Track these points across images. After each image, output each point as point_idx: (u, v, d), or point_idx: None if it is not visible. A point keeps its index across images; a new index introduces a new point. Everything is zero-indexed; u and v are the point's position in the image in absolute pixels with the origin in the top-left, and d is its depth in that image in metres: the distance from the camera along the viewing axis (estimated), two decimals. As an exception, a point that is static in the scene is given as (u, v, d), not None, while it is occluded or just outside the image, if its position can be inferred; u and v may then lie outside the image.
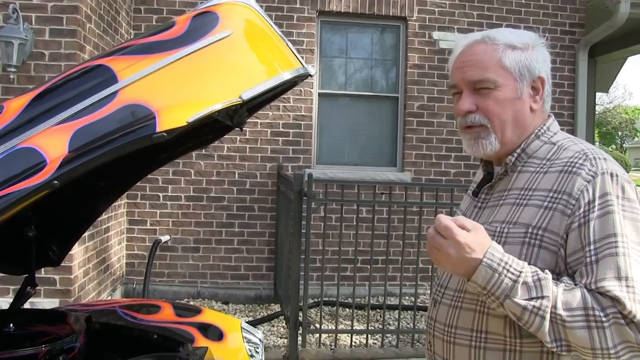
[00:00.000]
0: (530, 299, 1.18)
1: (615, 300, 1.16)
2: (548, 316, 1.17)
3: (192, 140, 2.33)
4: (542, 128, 1.42)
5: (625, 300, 1.16)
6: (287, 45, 1.86)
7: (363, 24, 6.49)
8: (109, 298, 5.56)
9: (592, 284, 1.19)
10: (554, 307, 1.17)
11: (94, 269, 5.05)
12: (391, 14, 6.34)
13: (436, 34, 6.43)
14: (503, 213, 1.36)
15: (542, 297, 1.18)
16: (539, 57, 1.40)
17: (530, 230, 1.28)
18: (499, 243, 1.30)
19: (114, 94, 1.61)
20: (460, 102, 1.40)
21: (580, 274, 1.22)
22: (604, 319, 1.16)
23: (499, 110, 1.37)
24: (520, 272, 1.21)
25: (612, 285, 1.17)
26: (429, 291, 5.22)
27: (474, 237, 1.22)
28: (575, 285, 1.21)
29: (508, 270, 1.20)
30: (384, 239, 5.51)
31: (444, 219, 1.23)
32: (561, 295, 1.19)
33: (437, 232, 1.24)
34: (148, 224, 6.06)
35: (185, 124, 1.53)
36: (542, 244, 1.27)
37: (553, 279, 1.23)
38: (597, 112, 16.21)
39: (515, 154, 1.40)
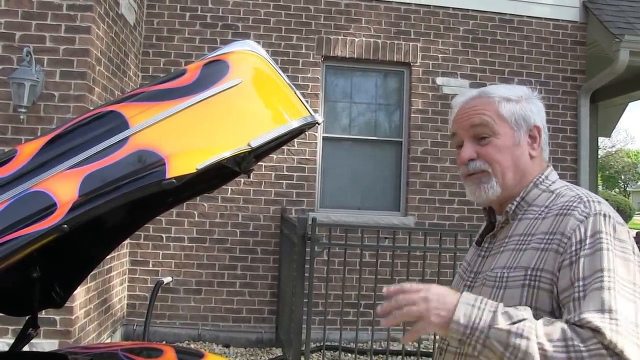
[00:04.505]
0: (513, 323, 1.19)
1: (596, 331, 1.15)
2: (533, 337, 1.16)
3: (199, 185, 2.35)
4: (540, 177, 1.46)
5: (606, 331, 1.14)
6: (295, 93, 1.89)
7: (367, 69, 6.60)
8: (109, 339, 5.51)
9: (575, 317, 1.19)
10: (536, 335, 1.17)
11: (95, 310, 5.01)
12: (395, 59, 6.45)
13: (439, 80, 6.53)
14: (504, 259, 1.38)
15: (524, 319, 1.19)
16: (533, 108, 1.47)
17: (529, 273, 1.30)
18: (499, 288, 1.34)
19: (125, 139, 1.63)
20: (461, 152, 1.46)
21: (567, 309, 1.22)
22: (582, 348, 1.14)
23: (499, 157, 1.43)
24: (497, 305, 1.23)
25: (592, 317, 1.16)
26: (431, 336, 5.15)
27: (436, 286, 1.28)
28: (556, 320, 1.22)
29: (485, 304, 1.23)
30: (387, 283, 5.46)
31: (393, 286, 1.29)
32: (542, 327, 1.19)
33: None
34: (150, 265, 6.04)
35: (195, 170, 1.55)
36: (540, 284, 1.29)
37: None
38: (599, 156, 16.30)
39: (515, 202, 1.44)
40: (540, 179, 1.45)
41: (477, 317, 1.21)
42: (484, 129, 1.43)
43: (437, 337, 1.55)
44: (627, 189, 49.36)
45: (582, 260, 1.24)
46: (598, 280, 1.21)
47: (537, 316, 1.27)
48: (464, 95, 1.52)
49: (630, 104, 8.76)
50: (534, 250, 1.32)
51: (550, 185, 1.45)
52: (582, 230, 1.27)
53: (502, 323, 1.19)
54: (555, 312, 1.28)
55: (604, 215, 1.29)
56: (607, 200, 1.42)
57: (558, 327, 1.18)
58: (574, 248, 1.26)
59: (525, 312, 1.21)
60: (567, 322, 1.21)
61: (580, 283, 1.22)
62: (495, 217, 1.53)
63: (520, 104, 1.45)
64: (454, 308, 1.22)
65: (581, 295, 1.21)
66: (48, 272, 2.26)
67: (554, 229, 1.31)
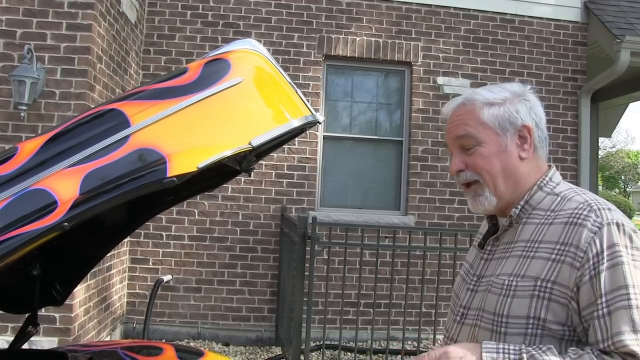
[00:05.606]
0: None
1: (631, 356, 1.16)
2: None
3: (199, 183, 2.35)
4: (544, 179, 1.43)
5: None
6: (296, 92, 1.89)
7: (368, 68, 6.60)
8: (109, 337, 5.51)
9: (607, 340, 1.19)
10: None
11: (94, 308, 5.01)
12: (396, 59, 6.45)
13: (440, 79, 6.52)
14: (510, 266, 1.36)
15: None
16: (520, 108, 1.43)
17: (539, 284, 1.28)
18: (507, 296, 1.32)
19: (126, 138, 1.63)
20: (451, 163, 1.48)
21: (593, 327, 1.22)
22: None
23: (486, 165, 1.41)
24: (520, 349, 1.22)
25: (628, 340, 1.17)
26: (432, 336, 5.16)
27: (454, 346, 1.27)
28: (582, 351, 1.21)
29: (508, 352, 1.22)
30: (387, 282, 5.48)
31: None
32: None
33: None
34: (150, 263, 6.04)
35: (196, 169, 1.55)
36: (552, 296, 1.26)
37: (563, 332, 1.26)
38: (600, 157, 16.25)
39: (519, 206, 1.41)
40: (544, 181, 1.43)
41: None
42: (469, 139, 1.42)
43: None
44: (627, 189, 49.33)
45: (602, 275, 1.22)
46: (624, 298, 1.20)
47: (545, 328, 1.27)
48: (451, 103, 1.51)
49: (630, 104, 8.76)
50: (544, 260, 1.30)
51: (554, 187, 1.42)
52: (598, 242, 1.25)
53: None
54: (567, 323, 1.27)
55: (617, 225, 1.27)
56: (607, 200, 1.40)
57: None
58: (591, 262, 1.23)
59: (551, 354, 1.20)
60: (593, 345, 1.21)
61: (603, 299, 1.21)
62: (497, 219, 1.51)
63: (504, 106, 1.42)
64: None
65: (605, 312, 1.20)
66: (48, 270, 2.26)
67: (566, 240, 1.28)
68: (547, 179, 1.43)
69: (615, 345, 1.18)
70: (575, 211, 1.32)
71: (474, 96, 1.46)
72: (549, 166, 1.48)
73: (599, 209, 1.30)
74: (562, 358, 1.20)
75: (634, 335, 1.17)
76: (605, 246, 1.24)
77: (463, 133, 1.43)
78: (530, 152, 1.43)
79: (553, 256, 1.29)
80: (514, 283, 1.32)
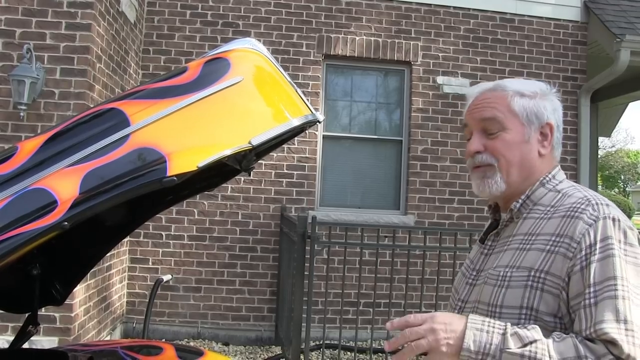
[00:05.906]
0: (524, 345, 1.17)
1: (612, 344, 1.15)
2: (547, 359, 1.16)
3: (199, 183, 2.35)
4: (547, 176, 1.45)
5: (623, 344, 1.14)
6: (296, 91, 1.89)
7: (368, 68, 6.60)
8: (109, 337, 5.51)
9: (590, 327, 1.18)
10: (549, 356, 1.16)
11: (94, 308, 5.01)
12: (396, 58, 6.45)
13: (440, 79, 6.52)
14: (507, 258, 1.37)
15: (536, 341, 1.17)
16: (547, 105, 1.45)
17: (532, 274, 1.29)
18: (501, 287, 1.33)
19: (126, 137, 1.63)
20: (469, 143, 1.46)
21: (579, 316, 1.22)
22: None
23: (506, 151, 1.41)
24: (505, 325, 1.22)
25: (610, 328, 1.16)
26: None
27: (440, 314, 1.25)
28: (567, 335, 1.21)
29: (493, 327, 1.21)
30: (386, 282, 5.48)
31: (397, 320, 1.25)
32: (554, 345, 1.18)
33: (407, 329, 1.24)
34: (150, 263, 6.04)
35: (196, 168, 1.55)
36: (545, 287, 1.27)
37: (555, 324, 1.25)
38: (599, 156, 16.26)
39: (520, 201, 1.42)
40: (547, 178, 1.44)
41: (487, 342, 1.19)
42: (494, 123, 1.42)
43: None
44: (627, 189, 49.37)
45: (592, 265, 1.22)
46: (611, 289, 1.20)
47: (537, 318, 1.27)
48: (479, 86, 1.51)
49: (630, 104, 8.76)
50: (539, 252, 1.30)
51: (557, 184, 1.44)
52: (592, 234, 1.25)
53: (514, 346, 1.18)
54: (559, 315, 1.27)
55: (613, 219, 1.27)
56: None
57: (570, 345, 1.17)
58: (583, 253, 1.24)
59: (535, 332, 1.20)
60: (577, 333, 1.20)
61: (592, 289, 1.21)
62: (500, 215, 1.52)
63: (534, 100, 1.43)
64: (462, 335, 1.20)
65: (592, 302, 1.20)
66: (48, 269, 2.26)
67: (562, 232, 1.29)
68: (550, 176, 1.45)
69: (597, 333, 1.17)
70: (574, 205, 1.33)
71: (505, 84, 1.47)
72: (555, 165, 1.50)
73: (597, 203, 1.31)
74: (545, 338, 1.19)
75: (617, 324, 1.17)
76: (598, 238, 1.25)
77: (490, 116, 1.43)
78: (548, 150, 1.46)
79: (548, 247, 1.30)
80: (509, 274, 1.33)
